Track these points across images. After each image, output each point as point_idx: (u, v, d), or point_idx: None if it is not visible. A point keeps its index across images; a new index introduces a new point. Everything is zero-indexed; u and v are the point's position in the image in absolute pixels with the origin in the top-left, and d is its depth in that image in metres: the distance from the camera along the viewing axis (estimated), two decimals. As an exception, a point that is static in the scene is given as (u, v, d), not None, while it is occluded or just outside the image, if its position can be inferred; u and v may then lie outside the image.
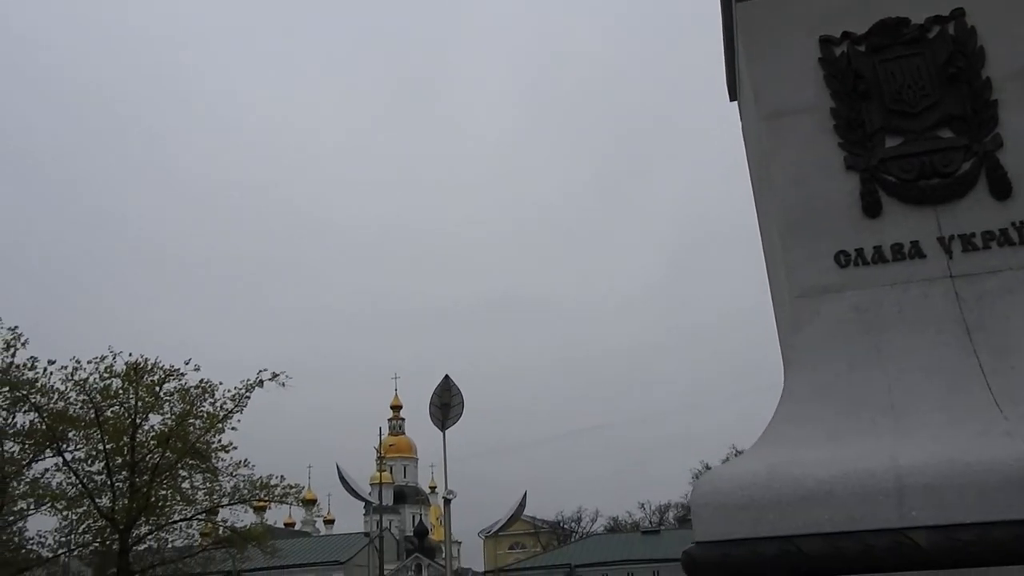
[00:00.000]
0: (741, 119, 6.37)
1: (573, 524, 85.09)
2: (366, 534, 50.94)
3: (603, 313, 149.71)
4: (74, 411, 29.69)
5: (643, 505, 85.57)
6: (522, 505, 29.80)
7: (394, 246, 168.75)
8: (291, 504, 35.15)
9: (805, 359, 4.38)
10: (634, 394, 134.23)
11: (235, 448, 31.24)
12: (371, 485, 53.88)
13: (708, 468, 78.40)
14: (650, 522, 78.97)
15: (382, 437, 51.33)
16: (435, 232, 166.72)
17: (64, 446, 29.77)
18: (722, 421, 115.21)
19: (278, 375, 31.44)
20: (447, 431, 21.64)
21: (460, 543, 69.74)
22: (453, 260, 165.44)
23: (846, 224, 4.49)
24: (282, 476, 31.92)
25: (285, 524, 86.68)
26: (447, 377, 20.21)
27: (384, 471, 61.21)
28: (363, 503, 40.27)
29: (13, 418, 29.74)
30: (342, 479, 28.86)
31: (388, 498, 69.67)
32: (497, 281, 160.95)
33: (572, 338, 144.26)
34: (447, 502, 22.02)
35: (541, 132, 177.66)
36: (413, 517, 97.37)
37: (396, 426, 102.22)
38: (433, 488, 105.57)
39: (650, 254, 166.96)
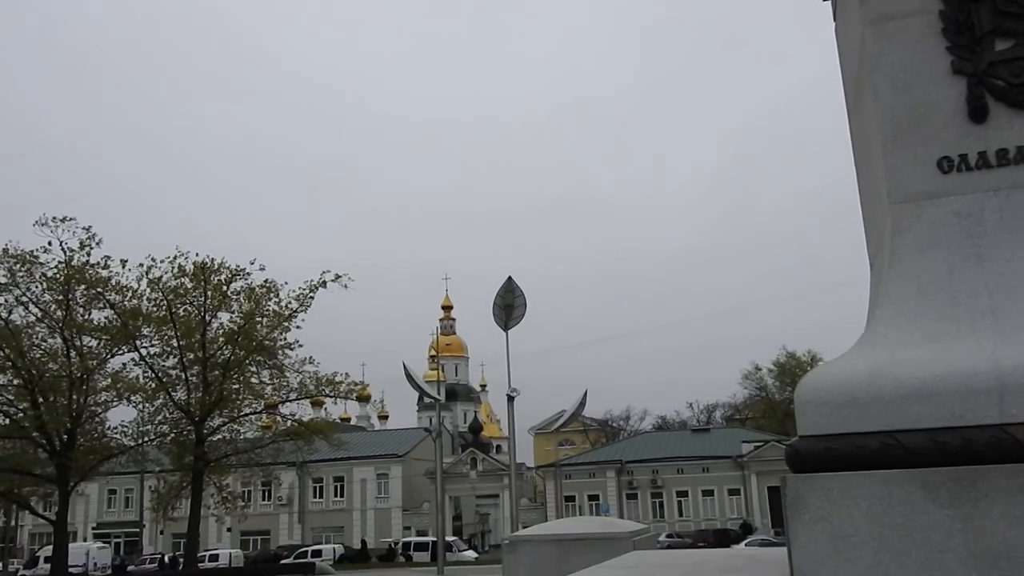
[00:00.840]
0: (835, 20, 6.27)
1: (621, 422, 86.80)
2: (426, 429, 52.76)
3: (655, 217, 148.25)
4: (147, 309, 30.92)
5: (691, 404, 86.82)
6: (582, 404, 30.48)
7: (445, 148, 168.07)
8: (354, 399, 36.59)
9: (904, 264, 4.47)
10: (683, 296, 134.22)
11: (300, 346, 32.48)
12: (425, 383, 55.38)
13: (759, 369, 78.53)
14: (698, 421, 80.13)
15: (436, 336, 52.32)
16: (486, 135, 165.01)
17: (139, 342, 31.17)
18: (772, 323, 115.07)
19: (341, 276, 32.41)
20: (504, 331, 22.00)
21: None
22: (505, 164, 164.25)
23: (950, 130, 4.48)
24: (346, 373, 33.20)
25: (341, 419, 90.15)
26: (510, 279, 19.89)
27: (436, 369, 62.82)
28: (419, 398, 41.65)
29: (90, 315, 31.10)
30: (409, 377, 29.74)
31: (440, 395, 71.66)
32: (547, 184, 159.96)
33: (623, 241, 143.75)
34: (511, 399, 22.50)
35: (603, 25, 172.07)
36: (464, 414, 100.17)
37: (447, 326, 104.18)
38: (484, 386, 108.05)
39: (706, 157, 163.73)
